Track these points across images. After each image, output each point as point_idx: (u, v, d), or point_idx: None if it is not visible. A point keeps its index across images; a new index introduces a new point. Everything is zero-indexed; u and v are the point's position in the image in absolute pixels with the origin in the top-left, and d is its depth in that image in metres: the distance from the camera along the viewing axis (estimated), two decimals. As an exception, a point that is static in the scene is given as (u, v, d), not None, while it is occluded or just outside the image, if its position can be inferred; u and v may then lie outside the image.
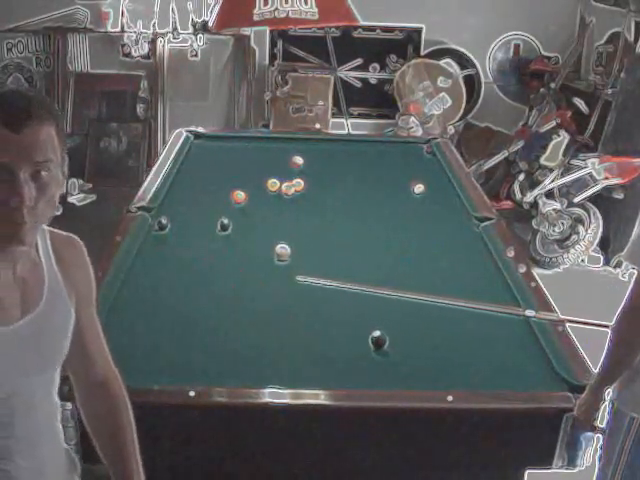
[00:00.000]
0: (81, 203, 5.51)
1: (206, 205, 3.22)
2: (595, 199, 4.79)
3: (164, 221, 2.94)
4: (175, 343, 2.17)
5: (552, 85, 5.57)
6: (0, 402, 1.28)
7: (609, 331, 1.98)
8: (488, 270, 2.70)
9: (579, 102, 5.16)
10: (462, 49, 6.05)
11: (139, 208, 3.07)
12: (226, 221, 2.95)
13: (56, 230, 1.48)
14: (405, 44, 6.11)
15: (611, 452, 1.99)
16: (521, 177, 5.24)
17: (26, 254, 1.34)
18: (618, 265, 4.80)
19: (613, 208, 4.80)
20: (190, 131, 4.05)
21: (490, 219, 3.09)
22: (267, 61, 6.13)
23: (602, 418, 1.99)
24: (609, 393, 1.98)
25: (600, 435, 1.99)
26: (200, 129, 4.14)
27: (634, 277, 1.92)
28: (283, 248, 2.71)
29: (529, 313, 2.32)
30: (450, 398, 1.92)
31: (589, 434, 1.95)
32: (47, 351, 1.36)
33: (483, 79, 6.13)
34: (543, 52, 6.05)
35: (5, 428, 1.30)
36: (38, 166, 1.24)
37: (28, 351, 1.31)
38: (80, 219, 5.20)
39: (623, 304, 1.93)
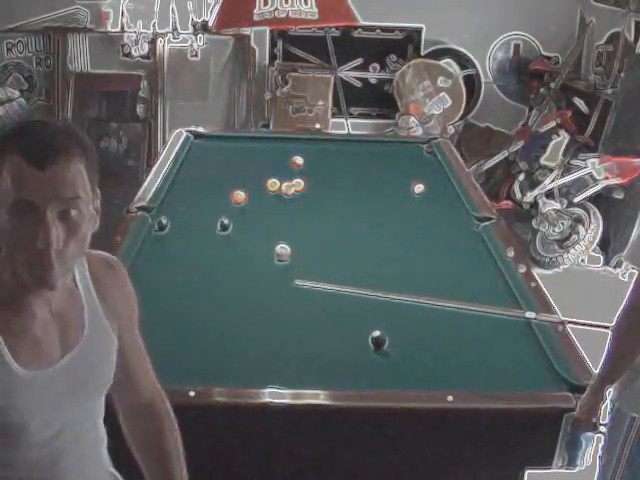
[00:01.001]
0: (81, 203, 5.51)
1: (206, 205, 3.22)
2: (595, 199, 4.79)
3: (164, 221, 2.94)
4: (175, 343, 2.17)
5: (552, 85, 5.57)
6: (49, 439, 1.24)
7: (610, 332, 1.98)
8: (488, 270, 2.70)
9: (579, 102, 5.16)
10: (462, 49, 6.05)
11: (139, 208, 3.06)
12: (226, 221, 2.95)
13: (94, 251, 1.38)
14: (405, 44, 6.11)
15: (612, 452, 1.99)
16: (521, 177, 5.25)
17: (61, 285, 1.24)
18: (618, 265, 4.81)
19: (613, 208, 4.81)
20: (190, 131, 4.05)
21: (490, 219, 3.09)
22: (267, 61, 6.12)
23: (603, 418, 1.99)
24: (610, 393, 1.98)
25: (601, 435, 1.99)
26: (200, 129, 4.14)
27: (634, 277, 1.92)
28: (283, 248, 2.71)
29: (530, 315, 2.32)
30: (450, 398, 1.92)
31: (589, 434, 1.95)
32: (92, 383, 1.32)
33: (483, 79, 6.12)
34: (543, 52, 6.05)
35: (54, 460, 1.27)
36: (66, 204, 1.16)
37: (72, 387, 1.26)
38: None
39: (623, 304, 1.93)
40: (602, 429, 1.98)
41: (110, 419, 1.43)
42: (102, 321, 1.33)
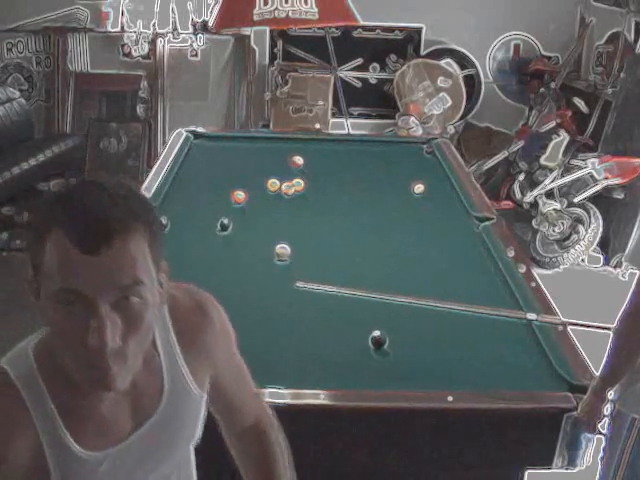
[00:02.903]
0: (81, 203, 5.51)
1: (206, 205, 3.22)
2: (595, 199, 4.79)
3: (164, 221, 2.94)
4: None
5: (552, 85, 5.57)
6: None
7: (611, 333, 1.98)
8: (488, 270, 2.70)
9: (579, 102, 5.16)
10: (462, 49, 6.05)
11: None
12: (226, 221, 2.95)
13: (178, 293, 1.19)
14: (405, 44, 6.11)
15: (612, 453, 2.00)
16: (521, 177, 5.25)
17: (125, 383, 1.05)
18: (618, 265, 4.81)
19: (613, 208, 4.81)
20: (190, 131, 4.05)
21: (490, 219, 3.08)
22: (267, 61, 6.12)
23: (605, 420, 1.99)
24: (611, 394, 1.98)
25: (601, 436, 1.99)
26: (200, 129, 4.14)
27: (635, 279, 1.92)
28: (283, 248, 2.71)
29: (531, 316, 2.32)
30: (450, 398, 1.92)
31: (589, 434, 1.95)
32: (170, 446, 1.18)
33: (483, 79, 6.13)
34: (543, 52, 6.05)
35: None
36: (124, 292, 0.97)
37: (146, 457, 1.14)
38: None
39: (624, 306, 1.93)
40: (603, 430, 1.98)
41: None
42: (186, 383, 1.16)
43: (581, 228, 4.75)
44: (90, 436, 1.08)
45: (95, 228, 0.94)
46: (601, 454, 2.05)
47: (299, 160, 3.61)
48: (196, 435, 1.23)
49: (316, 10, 5.19)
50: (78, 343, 0.96)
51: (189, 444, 1.24)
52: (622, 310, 1.93)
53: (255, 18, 5.18)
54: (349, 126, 5.74)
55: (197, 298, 1.22)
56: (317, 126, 5.83)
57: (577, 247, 4.73)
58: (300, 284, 2.47)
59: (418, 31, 6.06)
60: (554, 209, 4.85)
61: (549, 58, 6.02)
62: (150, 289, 1.00)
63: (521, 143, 5.35)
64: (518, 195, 5.20)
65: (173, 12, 5.85)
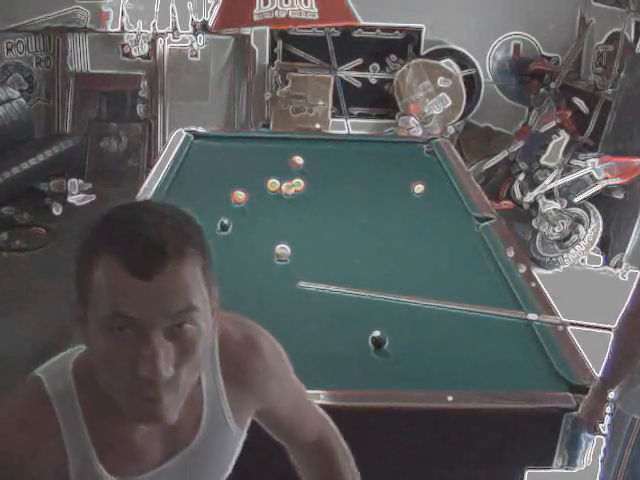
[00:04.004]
0: (81, 203, 5.51)
1: (206, 205, 3.21)
2: (595, 199, 4.79)
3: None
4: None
5: (552, 85, 5.57)
6: None
7: (611, 334, 1.98)
8: (488, 270, 2.69)
9: (579, 102, 5.16)
10: (462, 49, 6.05)
11: (139, 208, 3.06)
12: (226, 221, 2.95)
13: (230, 326, 1.15)
14: (405, 44, 6.11)
15: (613, 453, 2.00)
16: (521, 177, 5.25)
17: (175, 416, 1.00)
18: (618, 265, 4.80)
19: (613, 208, 4.81)
20: (190, 131, 4.05)
21: (490, 219, 3.09)
22: (267, 61, 6.13)
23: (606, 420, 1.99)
24: (611, 395, 1.98)
25: (602, 436, 1.99)
26: (200, 129, 4.14)
27: (636, 279, 1.92)
28: (283, 248, 2.71)
29: (531, 317, 2.32)
30: (450, 398, 1.92)
31: (589, 434, 1.95)
32: (201, 479, 1.14)
33: (483, 79, 6.13)
34: (543, 52, 6.05)
35: None
36: (178, 319, 0.93)
37: None
38: (80, 219, 5.21)
39: (625, 307, 1.93)
40: (603, 430, 1.98)
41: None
42: (225, 418, 1.12)
43: (581, 228, 4.74)
44: (119, 462, 1.05)
45: (148, 252, 0.91)
46: (601, 455, 2.05)
47: (299, 160, 3.61)
48: (228, 471, 1.19)
49: (316, 10, 5.19)
50: (128, 372, 0.92)
51: (220, 479, 1.20)
52: (623, 310, 1.93)
53: (255, 18, 5.19)
54: (349, 126, 5.74)
55: (249, 334, 1.19)
56: (317, 126, 5.84)
57: (577, 247, 4.73)
58: (303, 284, 2.47)
59: (418, 31, 6.06)
60: (554, 209, 4.85)
61: (549, 58, 6.02)
62: (204, 316, 0.97)
63: (521, 143, 5.35)
64: (518, 195, 5.20)
65: (173, 12, 5.85)
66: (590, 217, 4.73)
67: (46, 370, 1.06)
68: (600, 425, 1.95)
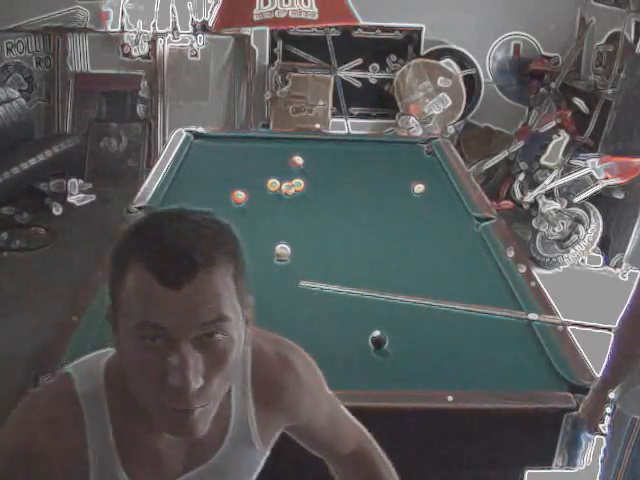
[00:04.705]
0: (81, 203, 5.51)
1: (206, 205, 3.20)
2: (595, 199, 4.79)
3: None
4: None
5: (552, 85, 5.57)
6: None
7: (612, 334, 1.97)
8: (488, 270, 2.69)
9: (579, 102, 5.16)
10: (462, 49, 6.05)
11: (139, 208, 3.06)
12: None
13: (265, 343, 1.14)
14: (405, 44, 6.12)
15: (613, 453, 1.99)
16: (521, 177, 5.24)
17: (205, 428, 0.98)
18: (618, 265, 4.80)
19: (613, 208, 4.80)
20: (190, 131, 4.05)
21: (490, 219, 3.09)
22: (267, 61, 6.13)
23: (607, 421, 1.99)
24: (612, 395, 1.98)
25: (602, 437, 1.99)
26: (200, 129, 4.14)
27: (637, 280, 1.92)
28: (283, 248, 2.71)
29: (532, 317, 2.32)
30: (450, 398, 1.92)
31: (590, 434, 1.95)
32: None
33: (483, 79, 6.13)
34: (543, 52, 6.05)
35: None
36: (208, 328, 0.91)
37: None
38: (80, 219, 5.21)
39: (625, 307, 1.92)
40: (604, 431, 1.98)
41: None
42: (250, 436, 1.10)
43: (581, 228, 4.74)
44: (141, 469, 1.04)
45: (177, 260, 0.89)
46: (601, 455, 2.05)
47: (299, 160, 3.61)
48: None
49: (316, 10, 5.19)
50: (158, 382, 0.91)
51: None
52: (623, 311, 1.93)
53: (255, 18, 5.18)
54: (349, 126, 5.73)
55: (283, 351, 1.16)
56: (317, 126, 5.84)
57: (577, 247, 4.73)
58: (303, 284, 2.47)
59: (418, 31, 6.07)
60: (554, 209, 4.85)
61: (549, 58, 6.03)
62: (235, 326, 0.94)
63: (521, 143, 5.35)
64: (518, 195, 5.20)
65: (173, 12, 5.85)
66: (590, 217, 4.73)
67: (77, 368, 1.06)
68: (600, 425, 1.95)
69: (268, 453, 1.18)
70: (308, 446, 1.28)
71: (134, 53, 5.95)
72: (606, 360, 1.96)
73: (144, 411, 0.98)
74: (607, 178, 4.69)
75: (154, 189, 3.27)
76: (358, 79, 6.17)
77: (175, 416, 0.93)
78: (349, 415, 1.33)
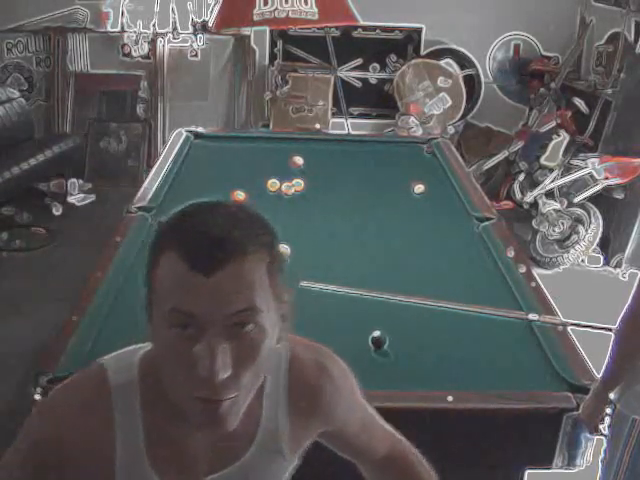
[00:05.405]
0: (81, 203, 5.52)
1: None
2: (595, 199, 4.79)
3: (164, 221, 2.93)
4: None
5: (552, 85, 5.57)
6: None
7: (612, 334, 1.97)
8: (488, 270, 2.69)
9: (579, 102, 5.16)
10: (462, 49, 6.05)
11: (139, 208, 3.06)
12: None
13: (300, 349, 1.14)
14: (405, 44, 6.12)
15: (613, 454, 1.99)
16: (521, 177, 5.25)
17: (235, 422, 0.97)
18: (618, 265, 4.80)
19: (613, 208, 4.80)
20: (190, 131, 4.05)
21: (490, 219, 3.09)
22: (267, 61, 6.13)
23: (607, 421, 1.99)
24: (612, 395, 1.98)
25: (602, 437, 1.99)
26: (200, 129, 4.14)
27: (637, 281, 1.91)
28: (283, 248, 2.71)
29: (532, 317, 2.32)
30: (450, 398, 1.92)
31: (589, 434, 1.95)
32: None
33: (483, 79, 6.13)
34: (543, 52, 6.05)
35: None
36: (239, 318, 0.90)
37: None
38: (80, 219, 5.21)
39: (626, 308, 1.92)
40: (604, 431, 1.98)
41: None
42: (280, 443, 1.09)
43: (581, 228, 4.74)
44: (167, 465, 1.03)
45: (210, 247, 0.89)
46: (602, 455, 2.05)
47: (299, 160, 3.61)
48: None
49: (316, 10, 5.19)
50: (187, 372, 0.90)
51: None
52: (623, 311, 1.93)
53: (255, 18, 5.19)
54: (349, 126, 5.74)
55: (319, 358, 1.16)
56: (317, 126, 5.83)
57: (577, 247, 4.73)
58: (304, 284, 2.47)
59: (418, 31, 6.06)
60: (554, 209, 4.85)
61: (549, 58, 6.02)
62: (268, 318, 0.93)
63: (521, 143, 5.35)
64: (518, 195, 5.20)
65: (173, 12, 5.85)
66: (590, 217, 4.73)
67: (112, 360, 1.06)
68: (600, 426, 1.95)
69: (297, 462, 1.17)
70: (340, 451, 1.27)
71: (134, 53, 5.96)
72: (606, 360, 1.96)
73: (175, 407, 0.97)
74: (607, 178, 4.69)
75: (154, 189, 3.27)
76: (358, 79, 6.17)
77: (204, 407, 0.92)
78: (381, 419, 1.32)
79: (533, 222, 4.94)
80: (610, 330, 2.02)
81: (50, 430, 1.01)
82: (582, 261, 4.88)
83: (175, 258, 0.90)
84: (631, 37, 5.18)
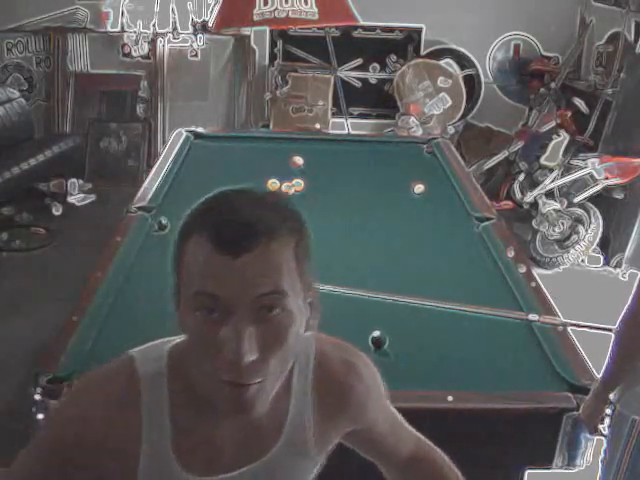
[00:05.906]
0: (81, 203, 5.52)
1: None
2: (595, 199, 4.79)
3: (164, 221, 2.93)
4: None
5: (552, 85, 5.57)
6: None
7: (612, 335, 1.97)
8: (488, 270, 2.69)
9: (579, 102, 5.16)
10: (462, 49, 6.05)
11: (139, 208, 3.06)
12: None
13: (329, 348, 1.13)
14: (405, 44, 6.12)
15: (613, 454, 1.99)
16: (521, 177, 5.25)
17: (263, 407, 0.96)
18: (618, 265, 4.80)
19: (613, 208, 4.81)
20: (190, 131, 4.05)
21: (490, 219, 3.09)
22: (267, 61, 6.13)
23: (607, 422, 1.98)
24: (612, 396, 1.98)
25: (602, 437, 1.99)
26: (200, 129, 4.14)
27: (637, 281, 1.91)
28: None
29: (532, 317, 2.32)
30: (450, 398, 1.92)
31: (589, 435, 1.95)
32: None
33: (483, 79, 6.13)
34: (543, 52, 6.05)
35: None
36: (265, 301, 0.90)
37: None
38: (80, 219, 5.21)
39: (626, 308, 1.92)
40: (604, 431, 1.98)
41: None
42: (306, 440, 1.08)
43: (581, 228, 4.74)
44: (192, 457, 1.02)
45: (237, 229, 0.89)
46: (602, 455, 2.05)
47: (299, 160, 3.62)
48: None
49: (316, 10, 5.19)
50: (214, 356, 0.90)
51: None
52: (623, 312, 1.93)
53: (255, 18, 5.19)
54: (349, 126, 5.74)
55: (348, 358, 1.15)
56: (317, 126, 5.84)
57: (577, 247, 4.73)
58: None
59: (418, 31, 6.07)
60: (554, 209, 4.85)
61: (549, 58, 6.02)
62: (295, 303, 0.93)
63: (521, 143, 5.35)
64: (518, 195, 5.20)
65: (173, 12, 5.85)
66: (590, 217, 4.73)
67: (141, 352, 1.06)
68: (600, 426, 1.95)
69: (323, 461, 1.16)
70: (366, 452, 1.27)
71: (134, 53, 5.96)
72: (606, 361, 1.96)
73: (203, 399, 0.97)
74: (607, 178, 4.69)
75: (154, 189, 3.27)
76: (358, 79, 6.17)
77: (231, 391, 0.91)
78: (404, 421, 1.31)
79: (533, 222, 4.94)
80: (610, 330, 2.02)
81: (74, 418, 1.01)
82: (582, 261, 4.88)
83: (202, 241, 0.91)
84: (631, 37, 5.18)
